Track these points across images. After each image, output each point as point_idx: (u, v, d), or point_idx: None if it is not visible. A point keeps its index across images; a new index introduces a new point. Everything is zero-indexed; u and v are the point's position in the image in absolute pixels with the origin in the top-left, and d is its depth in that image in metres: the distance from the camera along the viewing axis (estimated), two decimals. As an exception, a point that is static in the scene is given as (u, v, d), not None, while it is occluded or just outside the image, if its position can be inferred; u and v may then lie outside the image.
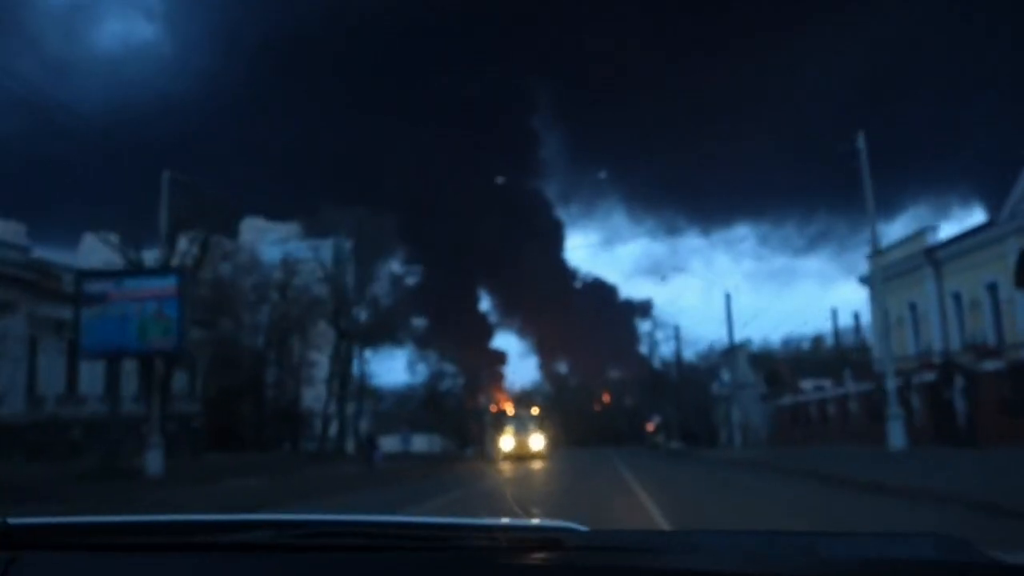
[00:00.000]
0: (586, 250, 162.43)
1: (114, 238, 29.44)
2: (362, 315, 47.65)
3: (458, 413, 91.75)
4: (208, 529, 1.45)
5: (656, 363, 62.94)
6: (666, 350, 66.19)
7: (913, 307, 34.53)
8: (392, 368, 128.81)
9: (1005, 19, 64.04)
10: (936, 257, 32.42)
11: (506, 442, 40.18)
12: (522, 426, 41.47)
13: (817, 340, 48.44)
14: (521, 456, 38.04)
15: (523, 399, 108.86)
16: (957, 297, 32.04)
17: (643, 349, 64.83)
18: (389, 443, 69.11)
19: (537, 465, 32.72)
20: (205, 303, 34.60)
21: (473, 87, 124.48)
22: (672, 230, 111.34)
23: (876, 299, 35.25)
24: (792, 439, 39.82)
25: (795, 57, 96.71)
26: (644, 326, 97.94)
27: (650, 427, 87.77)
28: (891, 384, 24.72)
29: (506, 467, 31.49)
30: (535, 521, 1.45)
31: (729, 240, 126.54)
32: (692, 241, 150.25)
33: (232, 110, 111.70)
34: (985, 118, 75.21)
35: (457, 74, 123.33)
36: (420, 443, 76.92)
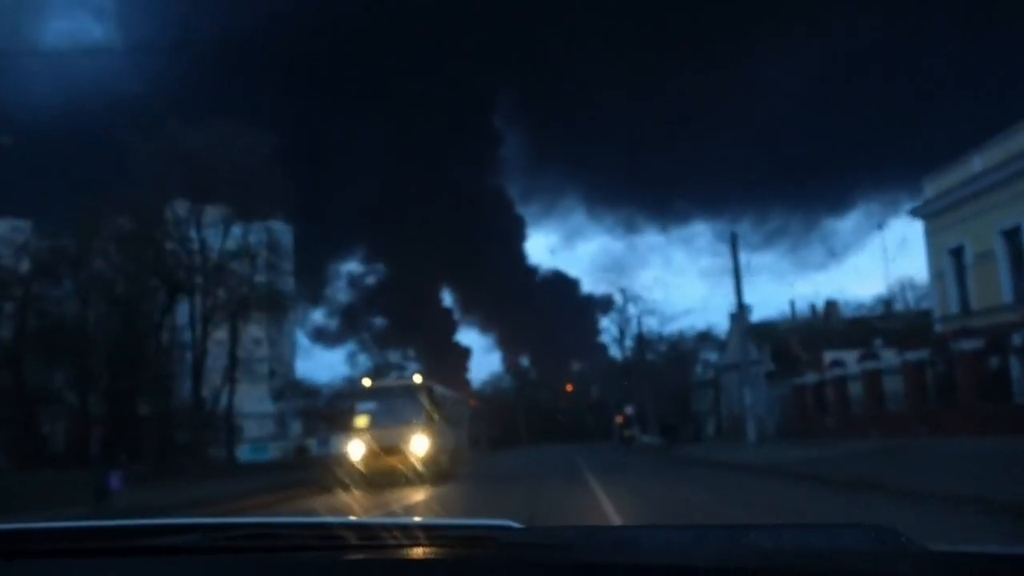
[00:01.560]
0: (546, 248, 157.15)
1: None
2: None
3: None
4: (143, 533, 1.43)
5: (627, 343, 52.82)
6: (631, 339, 56.13)
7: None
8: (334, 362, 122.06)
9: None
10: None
11: (354, 449, 20.43)
12: (386, 416, 20.92)
13: (829, 307, 38.54)
14: (385, 474, 19.64)
15: (480, 395, 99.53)
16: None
17: (612, 332, 54.74)
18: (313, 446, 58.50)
19: (422, 495, 17.25)
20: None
21: (432, 84, 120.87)
22: (631, 228, 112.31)
23: (937, 237, 25.26)
24: (814, 429, 29.68)
25: (750, 55, 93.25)
26: (606, 321, 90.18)
27: (620, 419, 77.93)
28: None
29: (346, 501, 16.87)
30: (470, 520, 1.45)
31: (686, 237, 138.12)
32: (651, 238, 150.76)
33: (184, 108, 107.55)
34: (933, 115, 72.38)
35: (415, 70, 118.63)
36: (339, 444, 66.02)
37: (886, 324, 37.57)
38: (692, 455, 32.12)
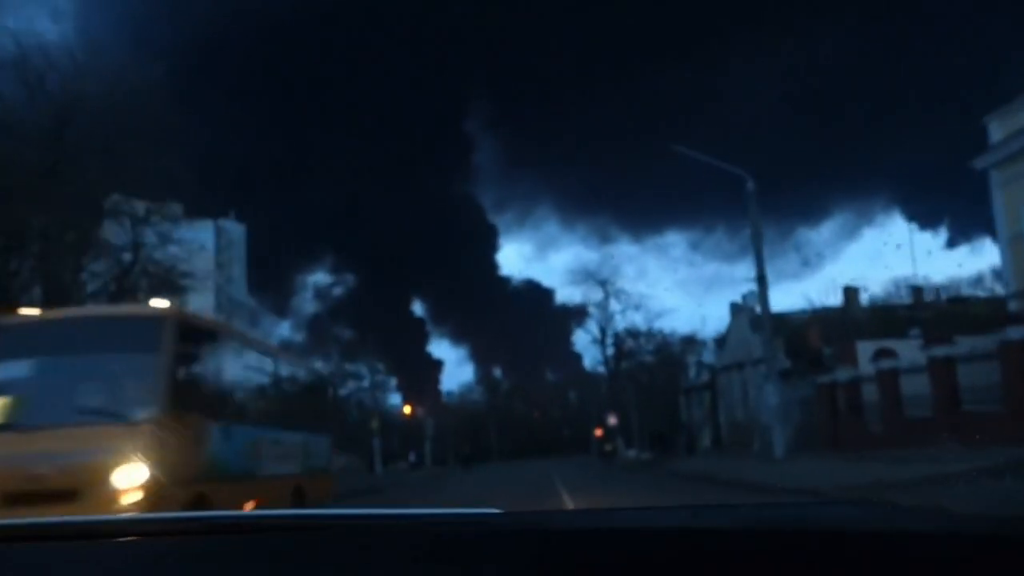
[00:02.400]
0: (521, 257, 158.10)
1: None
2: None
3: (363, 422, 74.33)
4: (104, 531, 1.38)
5: (609, 344, 46.19)
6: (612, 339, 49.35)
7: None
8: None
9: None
10: None
11: None
12: (51, 399, 8.02)
13: (849, 294, 32.23)
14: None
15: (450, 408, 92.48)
16: None
17: (592, 331, 48.20)
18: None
19: None
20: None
21: (402, 90, 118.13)
22: (604, 237, 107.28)
23: None
24: (850, 438, 23.26)
25: (723, 67, 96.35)
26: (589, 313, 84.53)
27: (599, 432, 71.36)
28: None
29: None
30: (453, 509, 1.41)
31: (660, 246, 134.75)
32: (625, 248, 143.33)
33: (146, 113, 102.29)
34: (905, 129, 74.82)
35: (386, 77, 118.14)
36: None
37: (914, 313, 31.41)
38: (691, 471, 25.59)
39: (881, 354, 21.78)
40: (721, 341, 38.23)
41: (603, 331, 45.61)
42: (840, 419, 24.43)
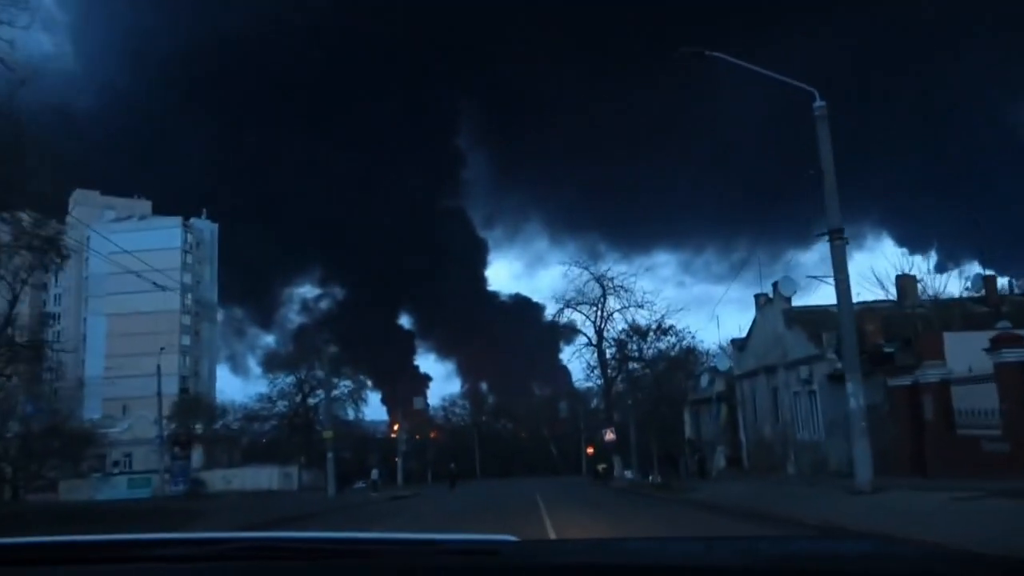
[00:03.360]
0: (509, 275, 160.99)
1: None
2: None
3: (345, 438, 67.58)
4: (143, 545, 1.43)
5: (606, 348, 39.51)
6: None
7: None
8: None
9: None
10: None
11: None
12: None
13: (905, 283, 25.90)
14: None
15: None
16: None
17: (588, 331, 41.56)
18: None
19: None
20: None
21: (396, 107, 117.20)
22: (594, 255, 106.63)
23: None
24: (949, 458, 16.82)
25: (716, 87, 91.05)
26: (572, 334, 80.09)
27: (590, 450, 64.75)
28: None
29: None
30: (470, 535, 1.42)
31: (650, 266, 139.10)
32: (615, 267, 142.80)
33: (139, 126, 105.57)
34: (893, 152, 75.34)
35: (380, 93, 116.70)
36: (257, 479, 52.36)
37: (987, 306, 25.19)
38: (718, 501, 19.13)
39: (1003, 342, 15.41)
40: (741, 344, 31.85)
41: (600, 332, 39.16)
42: (928, 433, 17.96)
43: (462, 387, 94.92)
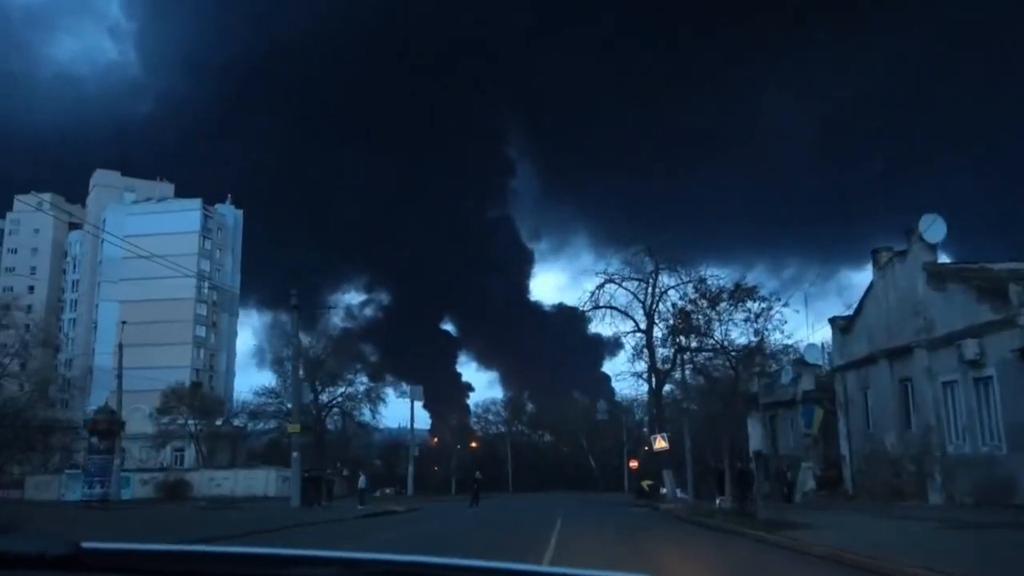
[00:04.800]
0: (555, 286, 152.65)
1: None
2: None
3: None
4: (268, 562, 1.38)
5: (661, 335, 30.65)
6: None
7: None
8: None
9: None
10: None
11: None
12: None
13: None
14: None
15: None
16: None
17: (636, 312, 32.79)
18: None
19: None
20: None
21: (446, 117, 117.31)
22: (639, 267, 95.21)
23: None
24: None
25: (763, 97, 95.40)
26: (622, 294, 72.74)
27: (634, 463, 56.02)
28: None
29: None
30: (607, 572, 1.39)
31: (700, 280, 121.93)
32: (662, 280, 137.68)
33: (195, 133, 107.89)
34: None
35: (431, 104, 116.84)
36: (251, 482, 45.09)
37: None
38: (862, 554, 10.65)
39: None
40: (846, 323, 23.05)
41: (650, 314, 30.40)
42: None
43: (504, 396, 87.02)
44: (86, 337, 79.81)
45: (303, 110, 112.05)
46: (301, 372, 56.79)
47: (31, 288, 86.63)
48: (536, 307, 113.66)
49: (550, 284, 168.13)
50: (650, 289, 30.63)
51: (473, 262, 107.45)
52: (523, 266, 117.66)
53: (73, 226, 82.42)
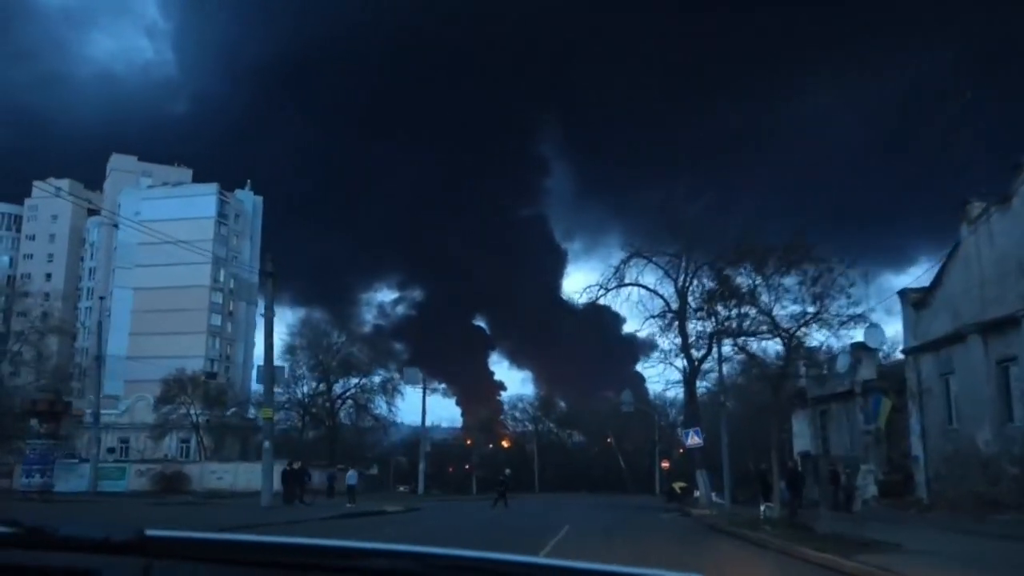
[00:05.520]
0: (586, 285, 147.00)
1: None
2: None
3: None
4: (339, 555, 1.36)
5: (693, 318, 26.79)
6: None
7: None
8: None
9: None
10: None
11: None
12: None
13: None
14: None
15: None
16: None
17: (667, 292, 28.93)
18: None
19: None
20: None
21: (482, 116, 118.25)
22: (673, 267, 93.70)
23: None
24: None
25: (800, 98, 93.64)
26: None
27: (665, 463, 52.22)
28: None
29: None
30: (659, 571, 1.37)
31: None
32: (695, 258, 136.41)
33: (232, 131, 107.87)
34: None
35: (466, 102, 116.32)
36: (252, 476, 41.65)
37: None
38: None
39: None
40: (920, 297, 19.06)
41: (683, 293, 26.51)
42: None
43: (535, 394, 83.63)
44: (102, 324, 77.80)
45: (338, 108, 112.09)
46: (311, 361, 54.33)
47: (48, 276, 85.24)
48: (569, 305, 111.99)
49: (581, 284, 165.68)
50: (683, 264, 26.81)
51: (506, 261, 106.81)
52: (556, 265, 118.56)
53: (92, 213, 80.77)
